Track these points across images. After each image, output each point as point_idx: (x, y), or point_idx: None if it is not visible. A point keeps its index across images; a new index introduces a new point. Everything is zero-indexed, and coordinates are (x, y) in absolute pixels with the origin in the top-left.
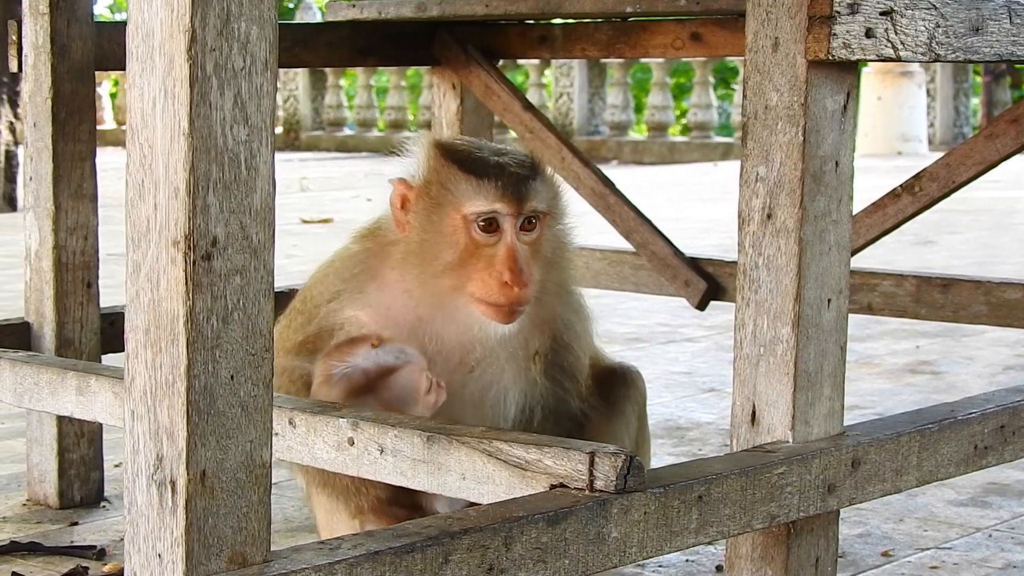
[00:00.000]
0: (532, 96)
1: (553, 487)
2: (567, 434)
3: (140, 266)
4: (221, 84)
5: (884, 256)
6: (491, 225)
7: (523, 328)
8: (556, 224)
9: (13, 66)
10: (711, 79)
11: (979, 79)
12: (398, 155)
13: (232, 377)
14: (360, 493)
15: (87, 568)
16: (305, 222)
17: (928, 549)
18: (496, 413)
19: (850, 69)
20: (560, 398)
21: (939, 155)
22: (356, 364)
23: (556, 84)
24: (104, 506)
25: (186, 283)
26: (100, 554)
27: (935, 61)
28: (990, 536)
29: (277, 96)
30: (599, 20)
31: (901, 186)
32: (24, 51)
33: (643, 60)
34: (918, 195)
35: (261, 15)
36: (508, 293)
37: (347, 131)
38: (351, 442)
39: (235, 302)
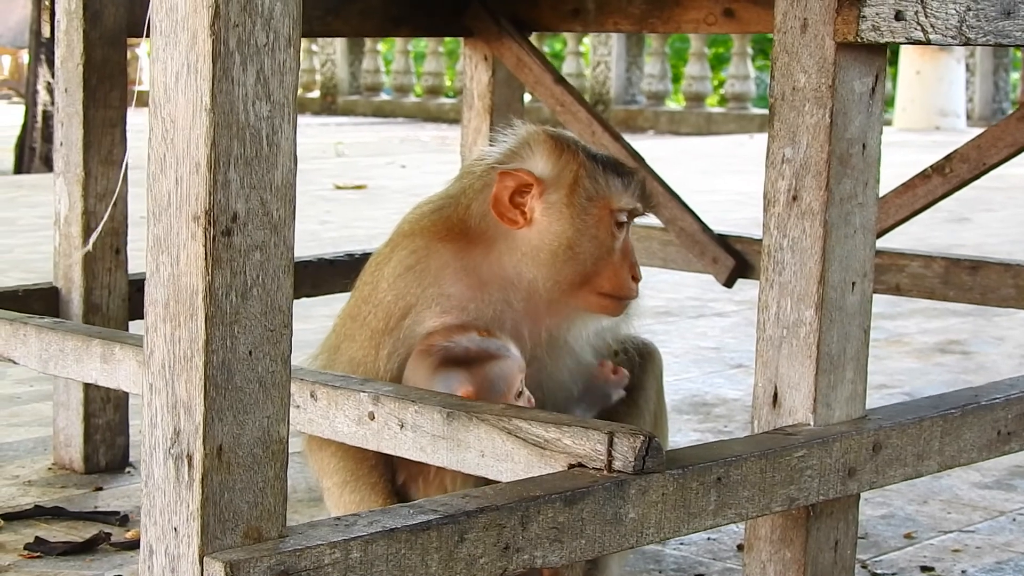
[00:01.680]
0: (569, 64)
1: (571, 466)
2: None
3: (160, 240)
4: (244, 60)
5: (918, 233)
6: (622, 223)
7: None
8: None
9: (46, 31)
10: (749, 50)
11: (1020, 54)
12: (491, 143)
13: (250, 353)
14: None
15: (110, 534)
16: (339, 188)
17: (951, 532)
18: (559, 402)
19: (879, 52)
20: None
21: (978, 130)
22: (459, 342)
23: (594, 53)
24: (129, 472)
25: (206, 258)
26: (123, 520)
27: (965, 44)
28: (1014, 520)
29: (315, 60)
30: None
31: (931, 167)
32: (57, 16)
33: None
34: (948, 176)
35: None
36: (634, 288)
37: (384, 96)
38: (372, 416)
39: (254, 278)
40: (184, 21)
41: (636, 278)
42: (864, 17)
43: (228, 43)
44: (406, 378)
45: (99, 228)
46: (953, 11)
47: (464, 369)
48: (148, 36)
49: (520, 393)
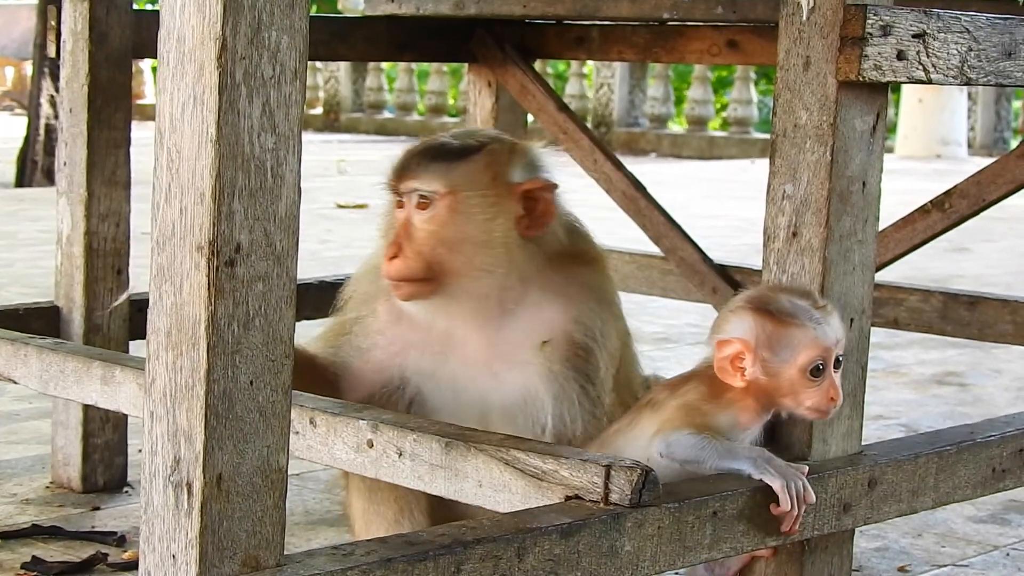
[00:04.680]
0: (572, 86)
1: (568, 498)
2: None
3: (164, 269)
4: (250, 92)
5: (918, 263)
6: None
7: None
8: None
9: (51, 51)
10: (753, 75)
11: None
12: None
13: (251, 382)
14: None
15: (107, 554)
16: (340, 207)
17: (945, 566)
18: (527, 420)
19: (881, 90)
20: (600, 423)
21: (979, 159)
22: None
23: (597, 75)
24: (127, 491)
25: (209, 288)
26: (120, 540)
27: (967, 84)
28: (1008, 555)
29: (318, 77)
30: (636, 24)
31: (931, 202)
32: (63, 37)
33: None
34: (948, 212)
35: (292, 25)
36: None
37: (387, 114)
38: (370, 444)
39: (257, 308)
40: (191, 53)
41: (391, 256)
42: (866, 56)
43: (235, 75)
44: None
45: (125, 295)
46: (955, 51)
47: None
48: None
49: None
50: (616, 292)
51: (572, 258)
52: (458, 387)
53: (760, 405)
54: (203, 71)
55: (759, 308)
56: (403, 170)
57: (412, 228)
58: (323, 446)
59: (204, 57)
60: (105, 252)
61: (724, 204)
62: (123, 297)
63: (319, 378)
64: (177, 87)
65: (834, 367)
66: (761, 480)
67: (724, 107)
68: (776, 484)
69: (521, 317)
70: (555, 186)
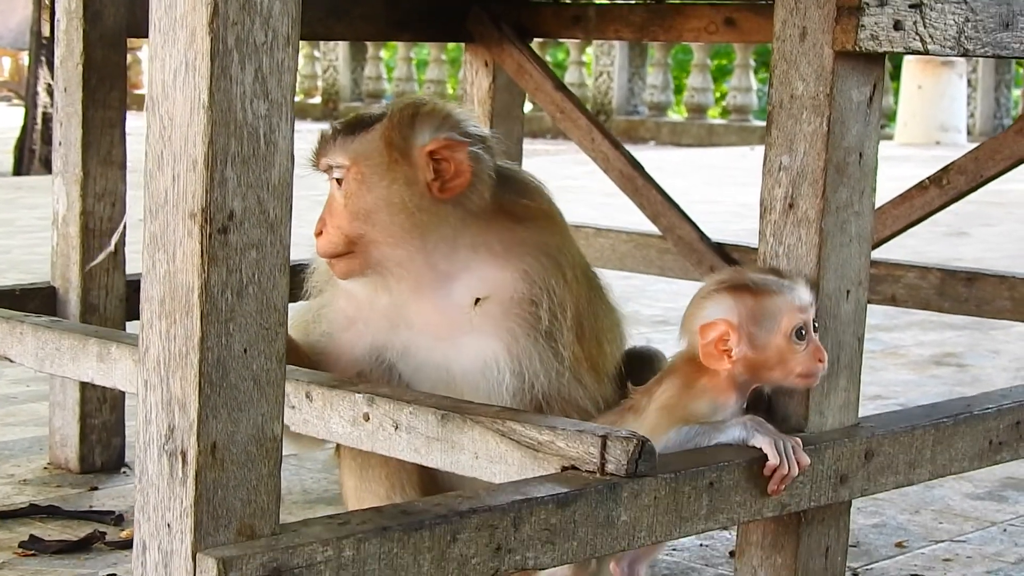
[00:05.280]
0: (572, 74)
1: (564, 469)
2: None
3: (157, 237)
4: (242, 58)
5: (916, 246)
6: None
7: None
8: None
9: (46, 30)
10: (752, 62)
11: (1021, 71)
12: None
13: (245, 350)
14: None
15: (104, 533)
16: None
17: (942, 541)
18: (488, 382)
19: (877, 61)
20: (562, 379)
21: None
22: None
23: (596, 63)
24: (124, 472)
25: (202, 256)
26: (118, 520)
27: (963, 55)
28: (1005, 531)
29: (317, 66)
30: (633, 2)
31: (929, 178)
32: (56, 16)
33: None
34: (945, 188)
35: None
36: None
37: (385, 103)
38: (366, 417)
39: (250, 276)
40: (183, 19)
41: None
42: (863, 26)
43: (227, 41)
44: None
45: (120, 229)
46: (952, 21)
47: None
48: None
49: None
50: (567, 245)
51: (510, 215)
52: (420, 359)
53: (738, 386)
54: (195, 37)
55: (735, 287)
56: (318, 148)
57: (334, 204)
58: (319, 420)
59: (196, 22)
60: (101, 232)
61: (723, 190)
62: (103, 255)
63: (303, 363)
64: (169, 53)
65: (815, 329)
66: (753, 445)
67: (723, 95)
68: (764, 441)
69: (459, 280)
70: (463, 144)
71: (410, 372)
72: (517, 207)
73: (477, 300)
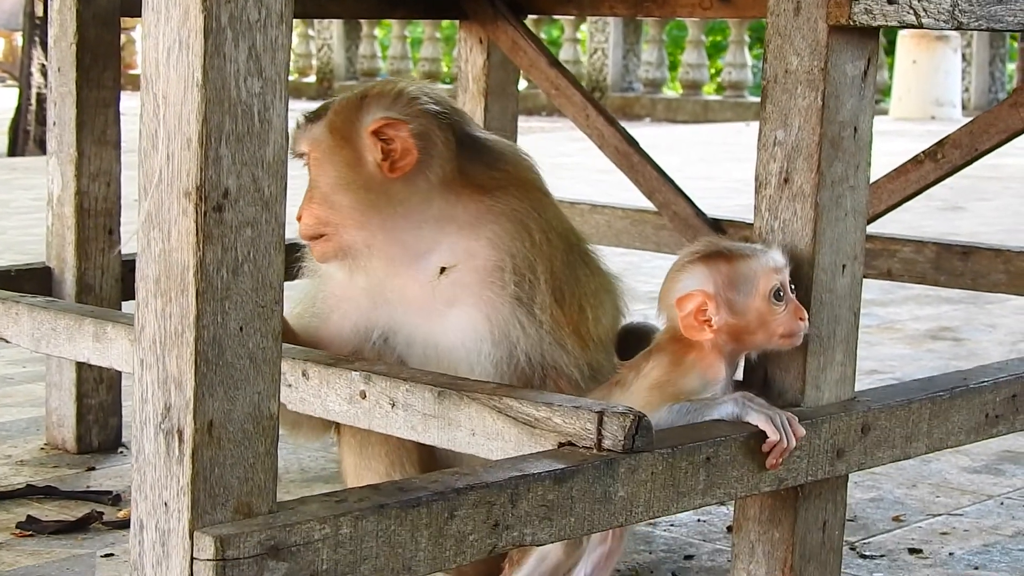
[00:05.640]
0: (567, 51)
1: (561, 445)
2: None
3: (152, 216)
4: (236, 36)
5: (912, 221)
6: None
7: (439, 259)
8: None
9: (39, 11)
10: (747, 38)
11: (1016, 45)
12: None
13: (241, 328)
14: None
15: (102, 513)
16: None
17: (939, 515)
18: (470, 353)
19: (871, 35)
20: (544, 344)
21: None
22: None
23: (591, 40)
24: (121, 452)
25: (197, 234)
26: (115, 500)
27: (957, 29)
28: (1002, 504)
29: (311, 44)
30: None
31: (924, 152)
32: None
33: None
34: (940, 162)
35: None
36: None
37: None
38: (363, 395)
39: (245, 254)
40: None
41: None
42: (857, 0)
43: (220, 19)
44: None
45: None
46: None
47: None
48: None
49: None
50: (538, 208)
51: (479, 186)
52: (405, 336)
53: (726, 356)
54: (188, 15)
55: (708, 256)
56: (294, 135)
57: (309, 188)
58: (316, 398)
59: (189, 0)
60: (96, 212)
61: (719, 167)
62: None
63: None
64: (162, 32)
65: (792, 291)
66: (747, 421)
67: (718, 71)
68: (759, 418)
69: (430, 255)
70: (403, 122)
71: (398, 349)
72: (486, 177)
73: (443, 270)
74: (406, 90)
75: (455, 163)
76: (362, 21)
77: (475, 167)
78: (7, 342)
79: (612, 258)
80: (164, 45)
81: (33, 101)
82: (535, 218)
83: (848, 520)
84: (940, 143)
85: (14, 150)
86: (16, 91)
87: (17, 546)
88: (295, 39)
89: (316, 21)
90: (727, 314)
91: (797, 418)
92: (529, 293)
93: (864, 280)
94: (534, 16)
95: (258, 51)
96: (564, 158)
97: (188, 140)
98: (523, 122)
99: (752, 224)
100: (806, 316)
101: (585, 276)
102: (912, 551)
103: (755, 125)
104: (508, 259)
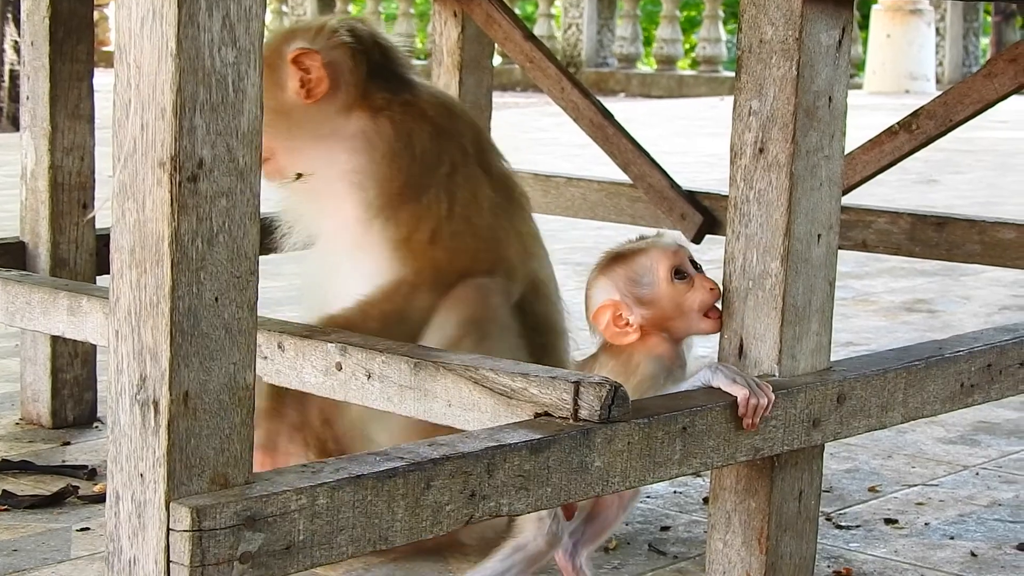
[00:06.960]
0: (541, 26)
1: (538, 415)
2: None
3: (126, 186)
4: (210, 5)
5: (886, 194)
6: None
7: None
8: None
9: None
10: (721, 13)
11: (989, 18)
12: None
13: (216, 299)
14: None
15: (77, 487)
16: None
17: (915, 486)
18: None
19: (846, 4)
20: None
21: None
22: None
23: (565, 15)
24: (96, 426)
25: (171, 204)
26: (91, 474)
27: (931, 1)
28: (977, 474)
29: (285, 21)
30: None
31: (898, 123)
32: None
33: None
34: (915, 133)
35: None
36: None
37: None
38: (339, 367)
39: (220, 224)
40: None
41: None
42: None
43: None
44: None
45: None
46: None
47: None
48: None
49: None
50: (404, 128)
51: (369, 107)
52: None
53: (664, 340)
54: None
55: (604, 266)
56: None
57: None
58: (291, 370)
59: None
60: (70, 186)
61: (694, 141)
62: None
63: None
64: (136, 1)
65: (696, 269)
66: (716, 386)
67: (693, 47)
68: (725, 381)
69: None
70: (315, 53)
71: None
72: (381, 101)
73: (299, 175)
74: (328, 24)
75: (360, 89)
76: None
77: (379, 94)
78: None
79: (588, 232)
80: (138, 15)
81: (6, 78)
82: (383, 135)
83: (824, 491)
84: (914, 114)
85: None
86: None
87: None
88: (269, 15)
89: None
90: (641, 310)
91: (771, 387)
92: (371, 201)
93: (839, 252)
94: None
95: (232, 20)
96: (541, 133)
97: (162, 110)
98: (498, 97)
99: (728, 195)
100: (718, 286)
101: (438, 201)
102: (888, 521)
103: (729, 100)
104: (359, 169)
